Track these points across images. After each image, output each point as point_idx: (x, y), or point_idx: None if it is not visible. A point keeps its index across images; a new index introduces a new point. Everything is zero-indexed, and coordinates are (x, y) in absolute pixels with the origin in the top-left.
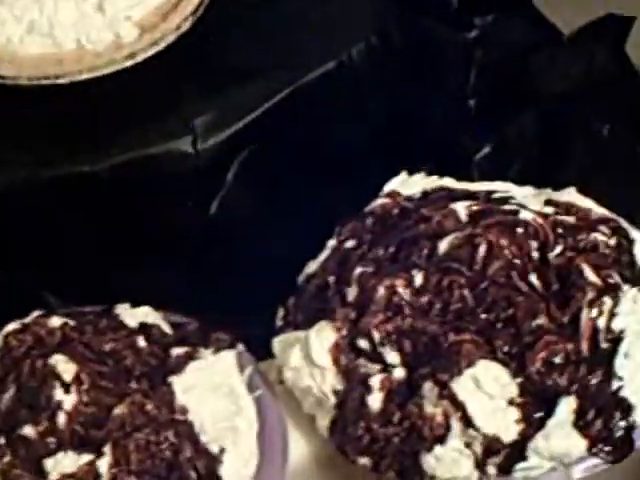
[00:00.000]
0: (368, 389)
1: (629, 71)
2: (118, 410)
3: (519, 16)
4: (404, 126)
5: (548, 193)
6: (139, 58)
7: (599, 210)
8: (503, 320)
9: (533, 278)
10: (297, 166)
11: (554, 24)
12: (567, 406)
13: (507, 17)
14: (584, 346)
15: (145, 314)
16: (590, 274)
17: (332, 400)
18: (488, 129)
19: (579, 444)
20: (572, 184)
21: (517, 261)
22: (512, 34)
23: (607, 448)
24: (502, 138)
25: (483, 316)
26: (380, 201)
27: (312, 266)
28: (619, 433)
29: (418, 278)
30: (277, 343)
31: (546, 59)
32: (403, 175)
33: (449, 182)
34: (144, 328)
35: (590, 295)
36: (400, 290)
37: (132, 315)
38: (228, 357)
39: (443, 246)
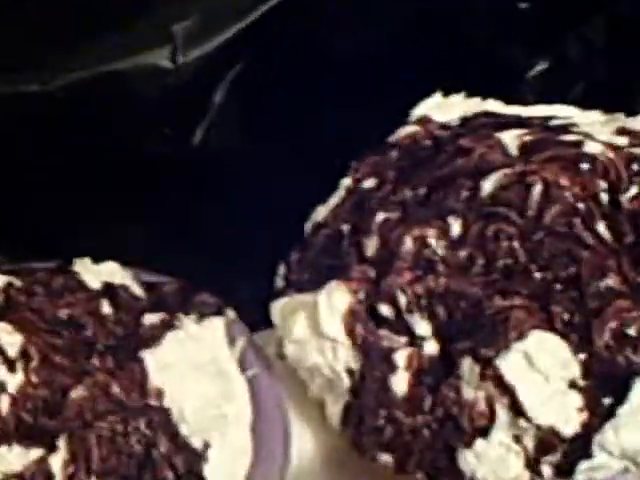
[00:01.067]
0: (392, 367)
1: None
2: (76, 393)
3: None
4: (437, 35)
5: (621, 119)
6: None
7: None
8: (563, 280)
9: (601, 227)
10: (302, 85)
11: None
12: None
13: None
14: None
15: (111, 272)
16: None
17: (346, 381)
18: (545, 39)
19: None
20: None
21: (581, 205)
22: None
23: None
24: (562, 50)
25: (538, 275)
26: (408, 129)
27: (321, 212)
28: None
29: (455, 227)
30: (277, 309)
31: None
32: (437, 96)
33: (495, 105)
34: (109, 290)
35: None
36: (433, 242)
37: (95, 273)
38: (215, 326)
39: (487, 186)
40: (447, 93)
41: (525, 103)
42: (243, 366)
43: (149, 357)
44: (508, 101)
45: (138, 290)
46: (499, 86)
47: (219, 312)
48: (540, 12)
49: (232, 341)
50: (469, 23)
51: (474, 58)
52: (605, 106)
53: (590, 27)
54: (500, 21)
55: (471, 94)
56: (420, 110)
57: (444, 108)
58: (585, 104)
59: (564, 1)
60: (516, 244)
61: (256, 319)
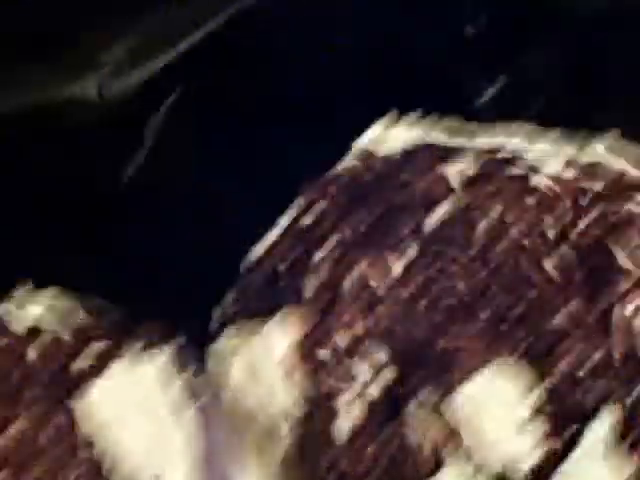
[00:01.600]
0: (333, 413)
1: None
2: (2, 442)
3: None
4: (382, 59)
5: (570, 149)
6: None
7: (636, 172)
8: (510, 320)
9: (549, 264)
10: (245, 115)
11: None
12: (602, 425)
13: None
14: (617, 351)
15: (39, 310)
16: (624, 259)
17: (284, 429)
18: (493, 63)
19: (619, 473)
20: (606, 130)
21: (527, 242)
22: None
23: None
24: (515, 73)
25: (484, 314)
26: (348, 162)
27: (259, 250)
28: None
29: (397, 265)
30: (212, 353)
31: None
32: (379, 127)
33: (439, 135)
34: (35, 334)
35: (624, 286)
36: (375, 280)
37: (21, 317)
38: (156, 359)
39: (430, 222)
40: (392, 122)
41: (473, 129)
42: (182, 405)
43: (78, 405)
44: (456, 128)
45: (67, 334)
46: (449, 112)
47: (163, 343)
48: (492, 33)
49: (171, 379)
50: (415, 48)
51: (422, 84)
52: (561, 123)
53: (544, 47)
54: (449, 44)
55: (418, 122)
56: (362, 142)
57: (386, 139)
58: (540, 122)
59: (517, 19)
60: (461, 283)
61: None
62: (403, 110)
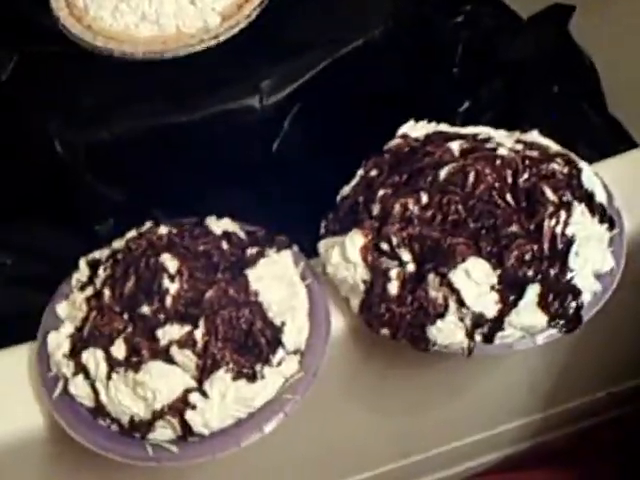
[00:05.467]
0: (388, 279)
1: (569, 45)
2: (209, 294)
3: (489, 5)
4: (411, 87)
5: (517, 134)
6: (221, 39)
7: (555, 146)
8: (487, 228)
9: (508, 197)
10: (334, 117)
11: (515, 11)
12: (533, 291)
13: (481, 5)
14: (545, 247)
15: (226, 224)
16: (550, 194)
17: (361, 287)
18: (468, 90)
19: (542, 319)
20: (530, 129)
21: (496, 184)
22: (484, 19)
23: (562, 322)
24: (477, 96)
25: (472, 225)
26: (395, 141)
27: (346, 189)
28: (571, 311)
29: (424, 198)
30: (321, 245)
31: (509, 38)
32: (411, 122)
33: (445, 127)
34: (226, 234)
35: (550, 209)
36: (411, 207)
37: (217, 225)
38: (287, 255)
39: (442, 174)
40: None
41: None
42: (303, 278)
43: (250, 273)
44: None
45: (243, 234)
46: (443, 116)
47: (289, 247)
48: (466, 74)
49: (297, 264)
50: (428, 82)
51: (431, 101)
52: (504, 128)
53: (493, 82)
54: (444, 80)
55: (429, 122)
56: (402, 130)
57: (415, 129)
58: (493, 125)
59: (478, 67)
60: (459, 207)
61: (310, 252)
62: (420, 118)
